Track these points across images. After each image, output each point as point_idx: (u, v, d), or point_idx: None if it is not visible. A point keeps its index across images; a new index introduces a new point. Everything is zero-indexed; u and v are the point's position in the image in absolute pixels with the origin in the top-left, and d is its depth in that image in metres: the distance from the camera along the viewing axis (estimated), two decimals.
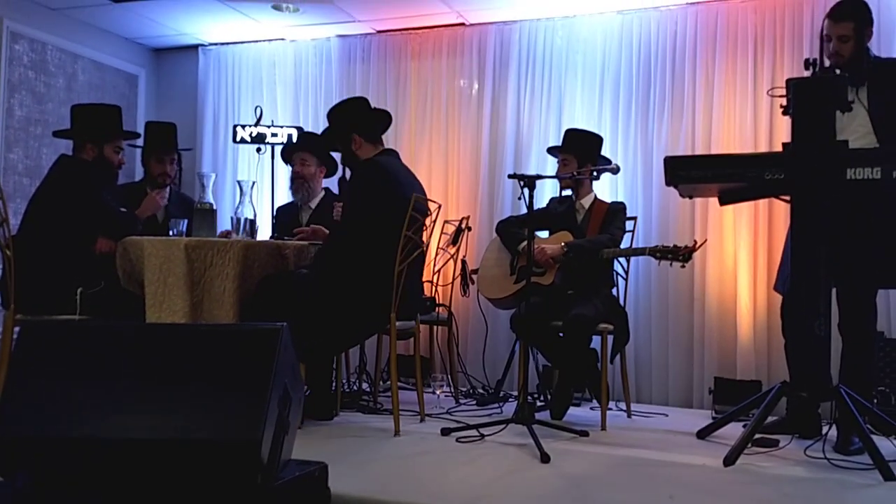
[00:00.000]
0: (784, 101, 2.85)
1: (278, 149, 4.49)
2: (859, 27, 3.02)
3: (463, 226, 4.29)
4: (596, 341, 3.56)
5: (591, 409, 3.95)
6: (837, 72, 3.05)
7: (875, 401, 3.58)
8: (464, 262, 4.32)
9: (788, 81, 2.94)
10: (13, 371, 1.82)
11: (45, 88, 4.91)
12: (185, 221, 3.46)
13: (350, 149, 3.37)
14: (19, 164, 4.73)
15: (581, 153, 3.85)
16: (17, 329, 3.19)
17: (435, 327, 4.39)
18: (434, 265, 4.45)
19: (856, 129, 3.05)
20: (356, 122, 3.39)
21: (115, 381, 1.78)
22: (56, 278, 3.34)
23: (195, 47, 5.67)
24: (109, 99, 5.18)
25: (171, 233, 3.42)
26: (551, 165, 4.09)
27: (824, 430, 3.04)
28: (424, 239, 3.33)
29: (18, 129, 4.73)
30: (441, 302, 4.32)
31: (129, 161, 4.94)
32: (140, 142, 4.10)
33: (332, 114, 3.49)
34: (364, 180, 3.26)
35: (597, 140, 3.93)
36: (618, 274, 3.96)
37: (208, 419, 1.74)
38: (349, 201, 3.32)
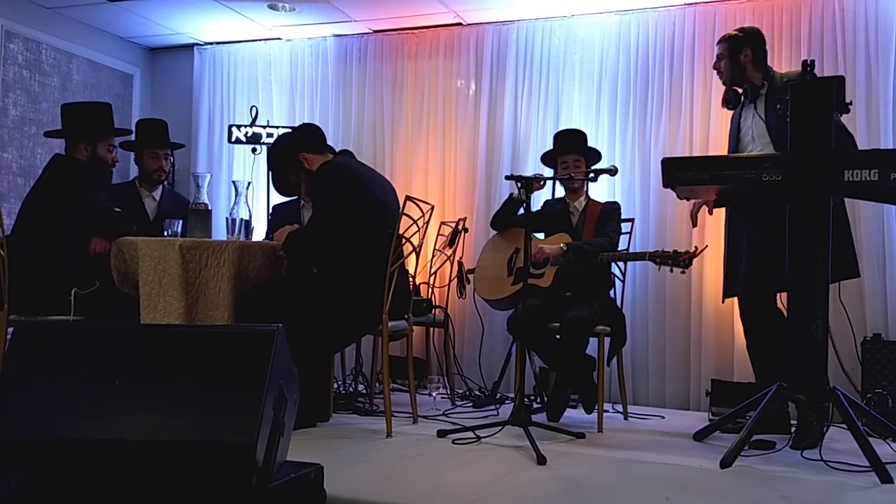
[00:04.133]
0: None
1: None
2: (732, 47, 3.34)
3: (460, 227, 4.28)
4: (593, 344, 3.55)
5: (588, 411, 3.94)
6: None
7: (872, 403, 3.59)
8: (460, 263, 4.31)
9: (724, 99, 3.42)
10: (6, 372, 1.81)
11: (39, 88, 4.89)
12: (180, 222, 3.44)
13: (304, 169, 3.38)
14: (13, 164, 4.70)
15: (589, 154, 3.88)
16: (10, 329, 3.17)
17: (431, 329, 4.38)
18: (430, 267, 4.44)
19: (758, 139, 3.32)
20: (296, 143, 3.43)
21: (110, 382, 1.77)
22: (50, 279, 3.32)
23: (190, 46, 5.65)
24: (104, 98, 5.15)
25: (165, 233, 3.40)
26: (548, 167, 4.08)
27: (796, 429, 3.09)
28: (417, 240, 3.33)
29: (13, 129, 4.70)
30: (437, 304, 4.30)
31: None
32: (132, 141, 4.08)
33: (272, 155, 3.54)
34: (322, 183, 3.27)
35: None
36: (615, 276, 3.95)
37: (204, 421, 1.72)
38: (314, 207, 3.33)
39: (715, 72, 3.48)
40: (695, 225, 3.56)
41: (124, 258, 3.22)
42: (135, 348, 1.83)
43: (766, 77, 3.33)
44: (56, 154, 3.67)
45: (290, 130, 3.64)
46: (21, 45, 4.78)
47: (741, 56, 3.32)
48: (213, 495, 1.69)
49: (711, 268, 4.33)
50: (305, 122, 3.73)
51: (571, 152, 3.86)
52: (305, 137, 3.46)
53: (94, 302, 3.31)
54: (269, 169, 3.57)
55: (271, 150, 3.55)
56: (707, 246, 3.69)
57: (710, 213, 3.51)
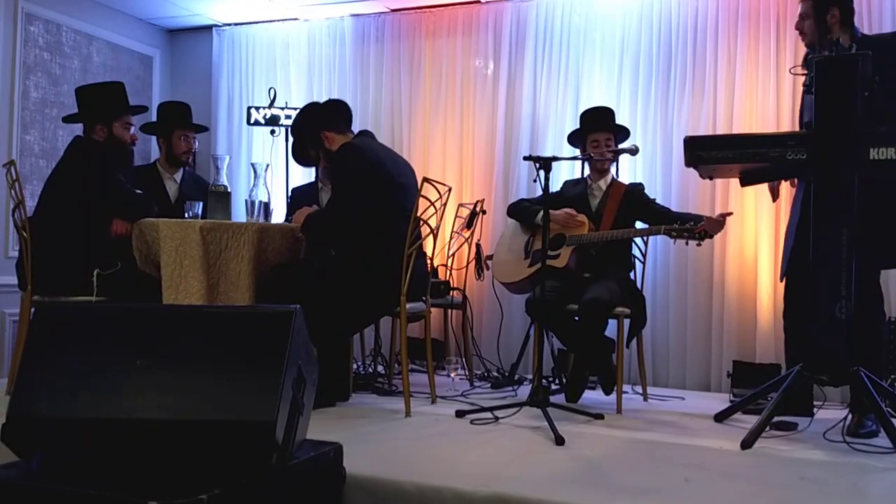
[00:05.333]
0: (806, 80, 2.80)
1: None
2: (818, 6, 3.06)
3: (478, 209, 4.26)
4: (612, 325, 3.53)
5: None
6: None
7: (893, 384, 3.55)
8: (478, 245, 4.29)
9: (810, 59, 2.89)
10: (28, 352, 1.83)
11: (60, 70, 4.92)
12: (201, 204, 3.46)
13: (325, 148, 3.37)
14: (35, 146, 4.74)
15: (619, 132, 3.83)
16: (33, 310, 3.21)
17: (449, 311, 4.37)
18: (448, 249, 4.43)
19: None
20: (319, 120, 3.40)
21: (131, 361, 1.78)
22: (72, 260, 3.35)
23: (209, 28, 5.65)
24: (124, 80, 5.13)
25: (186, 215, 3.42)
26: (568, 146, 4.04)
27: (821, 411, 3.04)
28: (435, 222, 3.33)
29: (34, 111, 4.74)
30: (455, 286, 4.30)
31: (145, 142, 4.95)
32: (156, 123, 4.09)
33: (294, 126, 3.51)
34: (341, 164, 3.26)
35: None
36: (635, 257, 3.92)
37: (224, 400, 1.74)
38: (333, 189, 3.31)
39: (797, 32, 3.24)
40: (775, 198, 3.44)
41: (146, 240, 3.25)
42: (155, 328, 1.84)
43: (853, 39, 3.08)
44: (76, 136, 3.70)
45: (317, 102, 3.59)
46: (41, 27, 4.80)
47: (828, 16, 3.08)
48: (233, 473, 1.70)
49: (734, 247, 4.29)
50: (334, 98, 3.69)
51: (602, 129, 3.79)
52: (330, 115, 3.43)
53: (116, 283, 3.35)
54: (291, 135, 3.54)
55: (296, 118, 3.52)
56: (731, 213, 3.63)
57: (775, 199, 3.42)
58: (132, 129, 3.69)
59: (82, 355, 1.81)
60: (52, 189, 3.50)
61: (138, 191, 3.60)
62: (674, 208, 4.35)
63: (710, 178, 3.30)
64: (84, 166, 3.46)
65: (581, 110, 4.04)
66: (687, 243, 3.44)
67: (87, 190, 3.41)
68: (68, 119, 3.81)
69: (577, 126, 3.90)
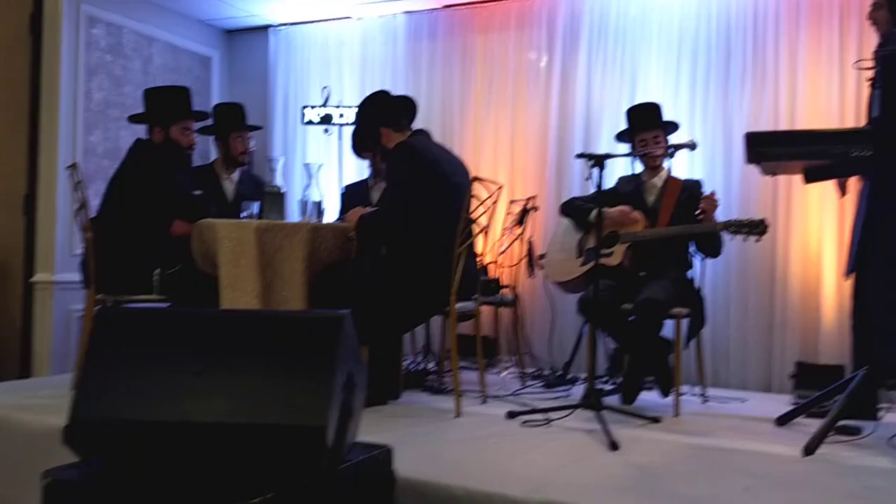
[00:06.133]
0: (871, 74, 2.68)
1: (346, 130, 4.50)
2: None
3: (529, 206, 4.22)
4: (670, 325, 3.46)
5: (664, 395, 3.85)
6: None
7: None
8: (530, 243, 4.26)
9: (876, 53, 2.76)
10: (90, 356, 1.88)
11: (122, 71, 5.05)
12: (257, 204, 3.52)
13: (381, 144, 3.38)
14: (99, 147, 4.88)
15: (667, 128, 3.75)
16: (96, 309, 3.31)
17: (500, 309, 4.35)
18: (499, 247, 4.40)
19: None
20: (380, 115, 3.39)
21: (186, 365, 1.82)
22: (134, 260, 3.45)
23: (265, 28, 5.73)
24: (184, 81, 5.29)
25: (242, 215, 3.48)
26: (623, 144, 3.96)
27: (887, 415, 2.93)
28: (485, 221, 3.31)
29: (97, 112, 4.88)
30: (506, 283, 4.27)
31: (204, 142, 5.05)
32: (209, 125, 4.17)
33: (358, 112, 3.50)
34: (395, 164, 3.27)
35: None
36: (693, 254, 3.82)
37: (276, 405, 1.76)
38: (386, 188, 3.32)
39: (870, 22, 3.13)
40: (843, 194, 3.36)
41: (204, 240, 3.32)
42: (210, 333, 1.88)
43: None
44: (137, 139, 3.79)
45: (387, 91, 3.58)
46: (104, 29, 4.93)
47: None
48: (286, 477, 1.72)
49: (797, 245, 4.16)
50: (404, 94, 3.69)
51: (650, 128, 3.72)
52: (391, 112, 3.43)
53: (176, 282, 3.42)
54: (354, 123, 3.55)
55: (361, 106, 3.51)
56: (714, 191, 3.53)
57: (843, 194, 3.31)
58: (191, 134, 3.76)
59: (141, 359, 1.85)
60: (113, 191, 3.60)
61: (197, 191, 3.68)
62: (735, 205, 4.28)
63: (774, 175, 3.20)
64: (142, 168, 3.54)
65: (647, 102, 3.95)
66: (745, 240, 3.34)
67: (145, 192, 3.50)
68: (133, 119, 3.91)
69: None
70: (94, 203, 3.74)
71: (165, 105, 3.70)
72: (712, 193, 3.51)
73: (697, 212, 3.50)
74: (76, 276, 3.76)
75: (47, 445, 2.51)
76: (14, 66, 4.71)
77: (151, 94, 3.78)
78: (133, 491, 1.67)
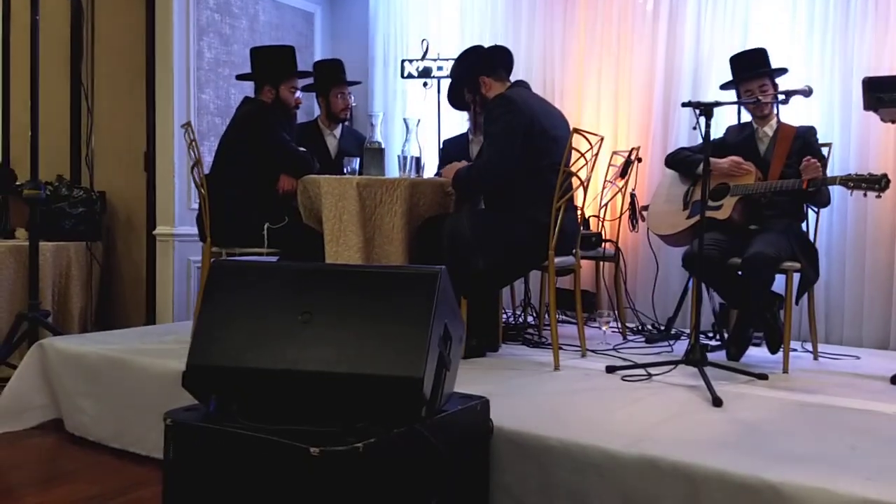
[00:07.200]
0: None
1: (445, 83, 4.49)
2: None
3: (633, 157, 4.12)
4: (780, 280, 3.32)
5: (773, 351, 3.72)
6: None
7: None
8: (633, 195, 4.16)
9: None
10: (204, 306, 2.00)
11: (230, 30, 5.21)
12: (358, 159, 3.59)
13: (481, 93, 3.37)
14: (211, 105, 5.08)
15: (774, 75, 3.54)
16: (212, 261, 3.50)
17: (601, 263, 4.30)
18: (601, 199, 4.33)
19: None
20: (480, 65, 3.38)
21: (293, 317, 1.91)
22: (245, 215, 3.60)
23: None
24: (288, 38, 5.40)
25: (344, 170, 3.57)
26: (732, 91, 3.78)
27: None
28: (585, 174, 3.26)
29: (208, 71, 5.06)
30: (608, 237, 4.21)
31: (308, 100, 5.17)
32: (309, 82, 4.25)
33: (456, 65, 3.52)
34: (493, 116, 3.24)
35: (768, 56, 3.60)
36: (809, 206, 3.63)
37: (376, 356, 1.84)
38: (485, 140, 3.31)
39: None
40: None
41: (309, 195, 3.43)
42: (313, 287, 1.96)
43: None
44: (245, 97, 3.92)
45: (481, 46, 3.60)
46: None
47: None
48: (386, 424, 1.80)
49: None
50: (499, 44, 3.68)
51: (753, 79, 3.53)
52: (491, 61, 3.43)
53: (283, 236, 3.56)
54: (450, 75, 3.58)
55: (458, 59, 3.55)
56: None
57: None
58: (297, 93, 3.86)
59: (251, 310, 1.96)
60: (224, 148, 3.75)
61: (302, 148, 3.79)
62: (853, 154, 4.03)
63: (893, 122, 2.99)
64: (252, 126, 3.66)
65: (750, 48, 3.75)
66: (865, 195, 3.15)
67: (255, 149, 3.63)
68: (242, 77, 4.04)
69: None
70: (208, 160, 3.91)
71: (273, 65, 3.80)
72: (808, 160, 3.26)
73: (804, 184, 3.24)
74: (195, 229, 3.97)
75: (171, 388, 2.70)
76: (130, 28, 4.95)
77: (259, 54, 3.89)
78: (246, 432, 1.79)
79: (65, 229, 4.70)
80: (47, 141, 4.35)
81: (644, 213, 4.01)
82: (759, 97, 3.47)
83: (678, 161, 3.72)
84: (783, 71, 3.61)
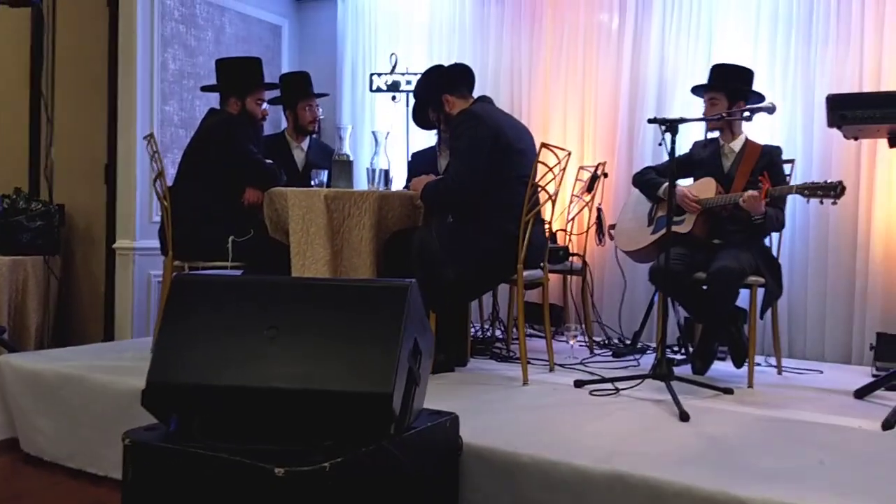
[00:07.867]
0: None
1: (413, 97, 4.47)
2: None
3: (599, 172, 4.14)
4: (745, 294, 3.35)
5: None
6: None
7: None
8: (599, 210, 4.18)
9: None
10: (166, 321, 1.95)
11: (195, 42, 5.14)
12: (326, 172, 3.56)
13: (445, 111, 3.38)
14: (175, 116, 5.01)
15: (731, 90, 3.58)
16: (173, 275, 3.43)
17: (569, 277, 4.30)
18: (568, 213, 4.34)
19: None
20: (442, 83, 3.40)
21: (257, 332, 1.87)
22: (208, 227, 3.53)
23: None
24: (255, 50, 5.35)
25: (312, 183, 3.53)
26: (698, 107, 3.83)
27: None
28: (553, 188, 3.27)
29: (173, 82, 4.99)
30: (575, 251, 4.22)
31: (274, 112, 5.12)
32: (276, 95, 4.21)
33: (417, 87, 3.54)
34: (459, 131, 3.25)
35: (747, 74, 3.63)
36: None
37: (343, 372, 1.80)
38: (451, 155, 3.32)
39: None
40: None
41: (276, 208, 3.39)
42: (280, 301, 1.92)
43: None
44: (211, 108, 3.87)
45: (441, 65, 3.63)
46: (177, 0, 5.02)
47: None
48: (353, 442, 1.76)
49: (881, 210, 3.96)
50: (458, 62, 3.71)
51: (709, 89, 3.61)
52: (452, 79, 3.44)
53: (248, 249, 3.50)
54: (413, 96, 3.59)
55: (420, 79, 3.57)
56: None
57: None
58: (264, 105, 3.82)
59: (214, 325, 1.91)
60: (188, 159, 3.69)
61: (268, 160, 3.74)
62: (816, 171, 4.09)
63: (856, 139, 3.05)
64: (217, 137, 3.61)
65: (735, 64, 3.77)
66: (821, 202, 3.19)
67: (220, 160, 3.58)
68: (206, 88, 3.99)
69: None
70: (171, 172, 3.84)
71: (240, 76, 3.76)
72: (750, 194, 3.28)
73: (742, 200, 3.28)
74: (156, 243, 3.89)
75: (130, 407, 2.62)
76: (93, 38, 4.86)
77: (225, 65, 3.85)
78: (208, 452, 1.74)
79: (22, 243, 4.58)
80: (4, 152, 4.24)
81: (612, 231, 4.03)
82: (707, 109, 3.54)
83: (643, 182, 3.75)
84: (743, 90, 3.61)
